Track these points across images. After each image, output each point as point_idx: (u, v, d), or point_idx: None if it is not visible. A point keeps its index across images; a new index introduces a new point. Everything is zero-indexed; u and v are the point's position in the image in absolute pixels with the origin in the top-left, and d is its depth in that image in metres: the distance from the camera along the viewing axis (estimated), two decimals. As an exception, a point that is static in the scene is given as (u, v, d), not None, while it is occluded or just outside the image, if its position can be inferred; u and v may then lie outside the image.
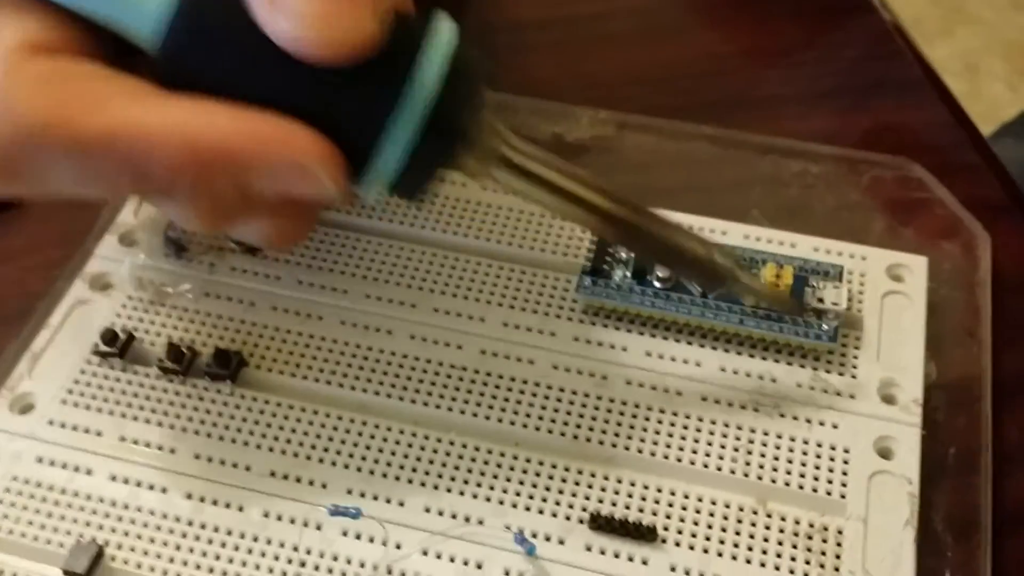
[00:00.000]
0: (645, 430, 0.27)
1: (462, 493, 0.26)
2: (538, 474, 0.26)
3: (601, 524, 0.25)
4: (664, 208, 0.31)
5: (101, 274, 0.30)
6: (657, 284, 0.29)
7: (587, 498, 0.26)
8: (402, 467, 0.26)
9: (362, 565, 0.25)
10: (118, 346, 0.28)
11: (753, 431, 0.27)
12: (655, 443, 0.27)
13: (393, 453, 0.26)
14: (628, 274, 0.29)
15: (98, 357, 0.28)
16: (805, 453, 0.26)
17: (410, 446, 0.27)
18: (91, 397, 0.28)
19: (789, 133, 0.35)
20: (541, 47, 0.40)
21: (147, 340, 0.29)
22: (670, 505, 0.26)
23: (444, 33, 0.22)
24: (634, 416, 0.27)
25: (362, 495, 0.26)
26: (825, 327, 0.28)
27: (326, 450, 0.27)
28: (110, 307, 0.29)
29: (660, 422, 0.27)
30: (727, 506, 0.26)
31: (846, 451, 0.26)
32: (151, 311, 0.29)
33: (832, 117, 0.36)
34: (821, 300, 0.28)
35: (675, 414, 0.27)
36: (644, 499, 0.26)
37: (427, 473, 0.26)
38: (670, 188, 0.33)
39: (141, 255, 0.30)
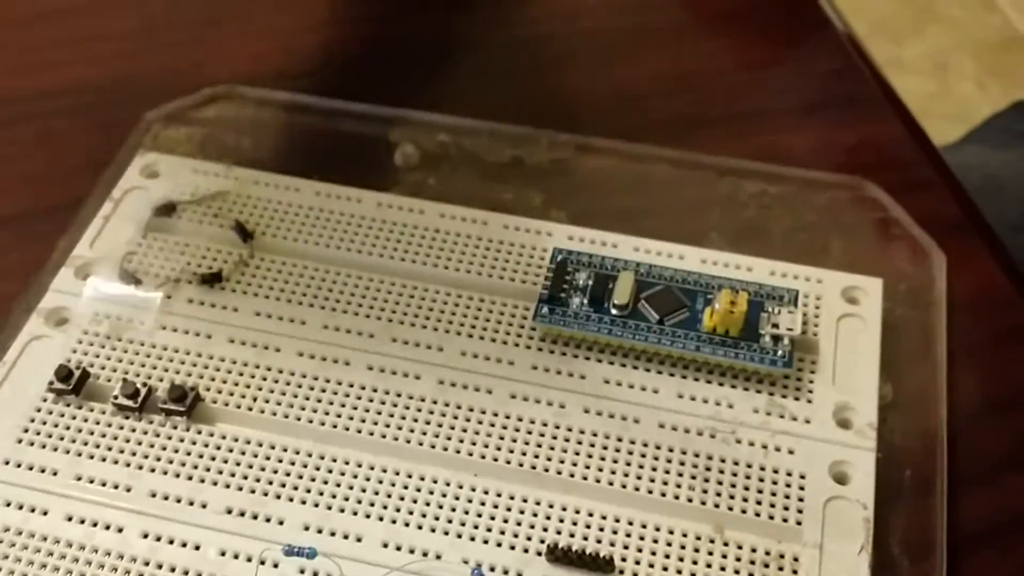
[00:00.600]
0: (603, 459, 0.27)
1: (420, 527, 0.26)
2: (496, 505, 0.26)
3: (558, 556, 0.25)
4: (623, 232, 0.32)
5: (56, 309, 0.30)
6: (614, 311, 0.29)
7: (545, 529, 0.26)
8: (359, 501, 0.26)
9: (319, 603, 0.25)
10: (72, 383, 0.28)
11: (710, 458, 0.27)
12: (612, 472, 0.27)
13: (351, 487, 0.26)
14: (585, 301, 0.29)
15: (53, 394, 0.28)
16: (762, 480, 0.27)
17: (367, 479, 0.27)
18: (46, 435, 0.27)
19: (747, 153, 0.35)
20: (500, 70, 0.40)
21: (103, 376, 0.28)
22: (627, 535, 0.26)
23: None
24: (591, 445, 0.27)
25: (319, 531, 0.26)
26: (780, 352, 0.28)
27: (283, 485, 0.26)
28: (65, 342, 0.29)
29: (618, 450, 0.27)
30: (684, 535, 0.26)
31: (802, 477, 0.27)
32: (107, 346, 0.29)
33: (791, 136, 0.36)
34: (776, 325, 0.28)
35: (632, 442, 0.27)
36: (602, 529, 0.26)
37: (385, 507, 0.26)
38: (629, 211, 0.33)
39: (97, 288, 0.30)
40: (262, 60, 0.40)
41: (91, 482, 0.27)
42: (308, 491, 0.26)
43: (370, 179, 0.34)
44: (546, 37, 0.41)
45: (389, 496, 0.26)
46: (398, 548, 0.25)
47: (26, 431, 0.27)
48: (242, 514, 0.26)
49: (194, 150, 0.35)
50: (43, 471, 0.27)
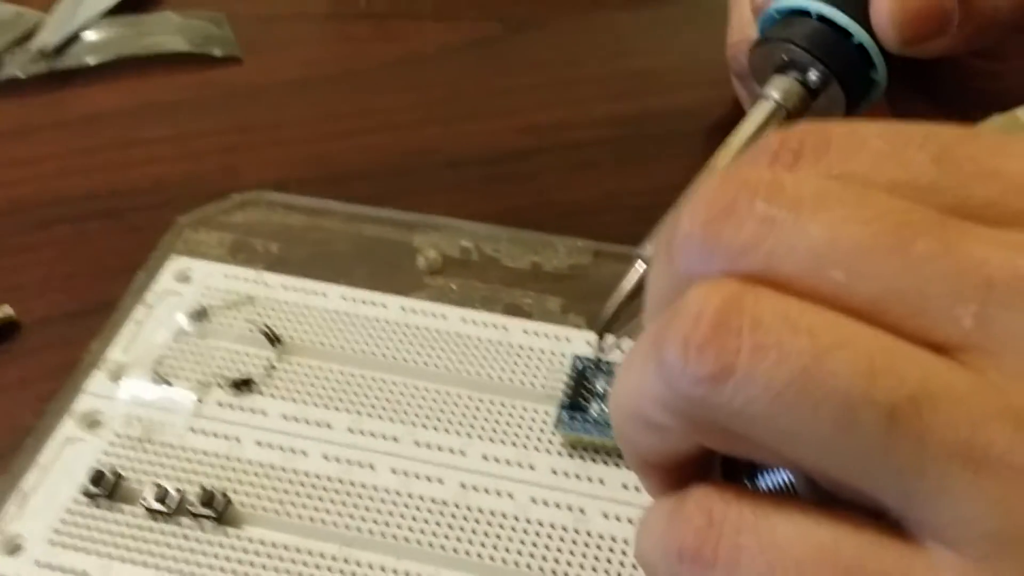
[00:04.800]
0: (623, 564, 0.28)
1: (443, 632, 0.26)
2: (517, 611, 0.27)
3: (579, 663, 0.26)
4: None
5: (90, 412, 0.31)
6: (632, 417, 0.30)
7: (565, 635, 0.26)
8: (384, 605, 0.27)
9: None
10: (106, 486, 0.28)
11: (727, 564, 0.27)
12: (632, 578, 0.27)
13: (375, 591, 0.27)
14: (604, 408, 0.30)
15: (86, 497, 0.29)
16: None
17: (391, 583, 0.27)
18: (79, 538, 0.28)
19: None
20: (517, 177, 0.41)
21: (134, 478, 0.29)
22: (647, 642, 0.26)
23: None
24: (611, 550, 0.28)
25: (344, 635, 0.26)
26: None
27: (309, 589, 0.27)
28: (99, 445, 0.30)
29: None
30: (702, 642, 0.26)
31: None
32: (139, 449, 0.30)
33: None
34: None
35: (651, 548, 0.28)
36: (621, 635, 0.26)
37: (408, 611, 0.27)
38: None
39: (130, 391, 0.31)
40: (289, 167, 0.41)
41: (122, 584, 0.27)
42: (334, 595, 0.27)
43: (395, 283, 0.35)
44: (563, 145, 0.42)
45: (413, 600, 0.27)
46: (421, 653, 0.26)
47: (58, 532, 0.28)
48: (269, 618, 0.27)
49: (224, 254, 0.36)
50: (75, 574, 0.27)
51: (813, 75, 0.32)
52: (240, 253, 0.37)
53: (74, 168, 0.41)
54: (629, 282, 0.30)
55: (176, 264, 0.35)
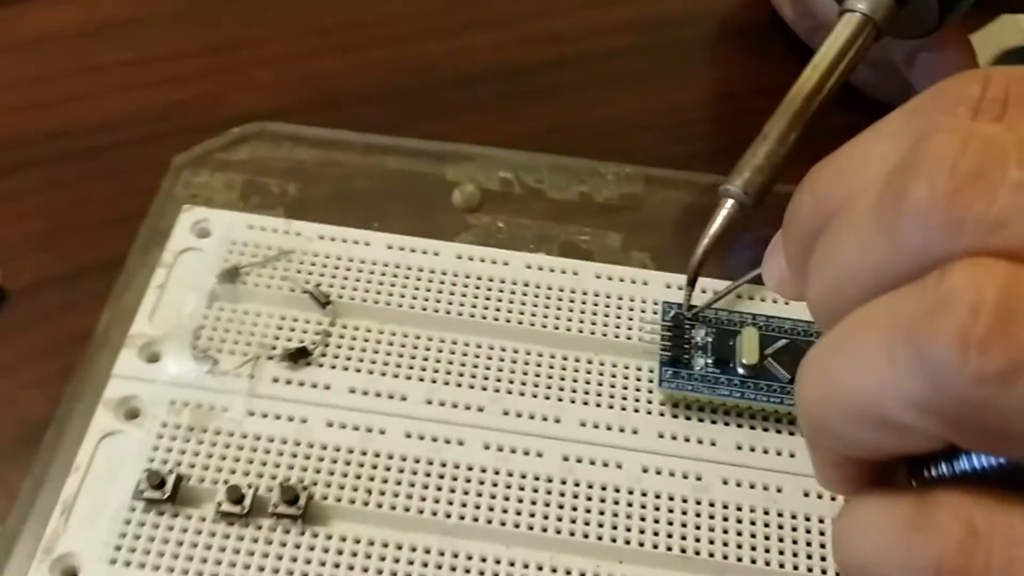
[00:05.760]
0: (754, 536, 0.25)
1: (577, 628, 0.24)
2: (650, 596, 0.24)
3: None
4: (705, 276, 0.29)
5: (125, 398, 0.27)
6: (741, 371, 0.27)
7: (708, 619, 0.24)
8: (505, 602, 0.24)
9: None
10: (166, 491, 0.25)
11: (862, 526, 0.26)
12: (767, 550, 0.25)
13: (492, 586, 0.24)
14: (709, 362, 0.27)
15: (144, 502, 0.25)
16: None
17: (499, 575, 0.24)
18: (143, 552, 0.24)
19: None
20: (535, 94, 0.37)
21: (194, 475, 0.25)
22: (796, 620, 0.24)
23: None
24: (739, 521, 0.26)
25: (471, 641, 0.23)
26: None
27: (418, 590, 0.24)
28: (144, 439, 0.26)
29: (767, 525, 0.26)
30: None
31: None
32: (192, 440, 0.26)
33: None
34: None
35: (780, 514, 0.26)
36: (766, 614, 0.24)
37: (535, 608, 0.24)
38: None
39: (169, 372, 0.27)
40: (280, 91, 0.37)
41: (204, 603, 0.24)
42: (450, 596, 0.24)
43: (434, 223, 0.32)
44: (583, 55, 0.39)
45: (538, 595, 0.24)
46: (560, 655, 0.23)
47: (118, 548, 0.24)
48: (383, 628, 0.24)
49: (234, 199, 0.32)
50: (146, 594, 0.24)
51: (905, -19, 0.29)
52: (253, 196, 0.32)
53: (32, 101, 0.36)
54: (718, 223, 0.28)
55: (191, 216, 0.30)
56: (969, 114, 0.17)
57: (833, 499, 0.26)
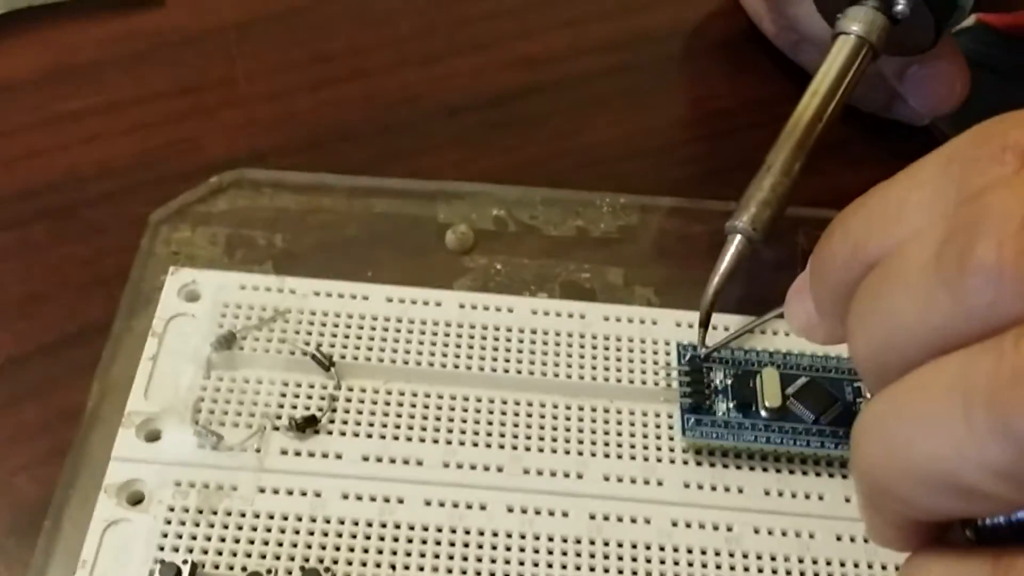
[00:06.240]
0: (791, 586, 0.25)
1: None
2: (693, 658, 0.24)
3: None
4: (725, 311, 0.29)
5: (128, 482, 0.25)
6: (764, 414, 0.27)
7: None
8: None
9: None
10: (183, 583, 0.23)
11: (897, 570, 0.25)
12: (806, 600, 0.25)
13: (532, 661, 0.23)
14: (731, 406, 0.27)
15: (158, 598, 0.23)
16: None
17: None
18: (163, 652, 0.23)
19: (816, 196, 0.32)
20: (523, 122, 0.36)
21: (208, 562, 0.24)
22: (842, 673, 0.24)
23: None
24: (773, 572, 0.25)
25: None
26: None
27: (456, 670, 0.23)
28: (151, 526, 0.25)
29: (803, 574, 0.25)
30: (899, 664, 0.24)
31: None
32: (202, 523, 0.25)
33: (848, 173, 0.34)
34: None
35: (815, 561, 0.25)
36: (810, 668, 0.24)
37: None
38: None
39: (172, 452, 0.26)
40: (257, 133, 0.35)
41: None
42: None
43: (430, 269, 0.31)
44: (566, 80, 0.38)
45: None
46: None
47: (136, 648, 0.23)
48: None
49: (219, 254, 0.31)
50: None
51: (901, 3, 0.29)
52: (238, 250, 0.31)
53: (-9, 156, 0.34)
54: (727, 261, 0.27)
55: (177, 278, 0.29)
56: (1018, 163, 0.16)
57: (866, 541, 0.25)
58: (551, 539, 0.25)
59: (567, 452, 0.27)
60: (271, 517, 0.25)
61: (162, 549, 0.24)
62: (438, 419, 0.27)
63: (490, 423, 0.27)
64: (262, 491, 0.25)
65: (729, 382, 0.27)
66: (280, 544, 0.25)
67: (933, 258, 0.16)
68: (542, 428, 0.27)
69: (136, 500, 0.25)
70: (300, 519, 0.25)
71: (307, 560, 0.24)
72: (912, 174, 0.18)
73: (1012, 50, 0.54)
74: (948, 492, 0.16)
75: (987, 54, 0.53)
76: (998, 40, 0.55)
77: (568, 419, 0.27)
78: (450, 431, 0.27)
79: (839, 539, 0.25)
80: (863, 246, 0.19)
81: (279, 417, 0.26)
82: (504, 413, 0.27)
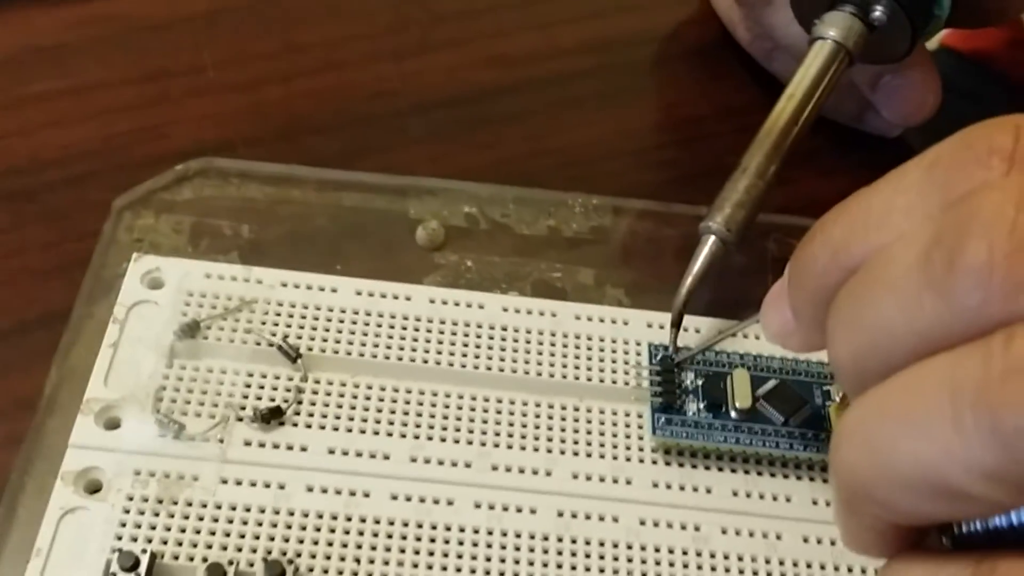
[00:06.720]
0: (758, 587, 0.25)
1: None
2: (659, 658, 0.23)
3: None
4: (695, 313, 0.29)
5: (86, 470, 0.25)
6: (734, 415, 0.26)
7: None
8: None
9: None
10: (140, 572, 0.23)
11: (864, 573, 0.25)
12: (773, 602, 0.24)
13: (496, 659, 0.23)
14: (702, 407, 0.27)
15: (116, 587, 0.23)
16: (926, 592, 0.25)
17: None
18: (118, 643, 0.22)
19: (787, 203, 0.32)
20: (498, 120, 0.36)
21: (167, 552, 0.24)
22: (809, 676, 0.23)
23: None
24: (740, 572, 0.25)
25: None
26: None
27: (420, 667, 0.23)
28: (109, 515, 0.24)
29: (769, 574, 0.25)
30: (865, 667, 0.24)
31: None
32: (162, 513, 0.24)
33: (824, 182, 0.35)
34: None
35: (781, 562, 0.25)
36: (776, 670, 0.23)
37: None
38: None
39: (132, 440, 0.25)
40: (224, 123, 0.35)
41: None
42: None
43: (399, 264, 0.30)
44: (539, 79, 0.37)
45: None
46: None
47: (90, 640, 0.22)
48: None
49: (183, 243, 0.30)
50: None
51: (878, 9, 0.29)
52: (203, 239, 0.30)
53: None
54: (700, 262, 0.27)
55: (140, 264, 0.28)
56: (1004, 166, 0.16)
57: (833, 544, 0.25)
58: (518, 535, 0.25)
59: (536, 449, 0.26)
60: (233, 508, 0.24)
61: (120, 539, 0.24)
62: (406, 414, 0.26)
63: (459, 419, 0.26)
64: (224, 482, 0.25)
65: (700, 383, 0.27)
66: (242, 536, 0.24)
67: (920, 260, 0.16)
68: (511, 425, 0.27)
69: (94, 489, 0.24)
70: (263, 511, 0.24)
71: (269, 552, 0.24)
72: (895, 180, 0.18)
73: (975, 74, 0.55)
74: (932, 495, 0.16)
75: (951, 78, 0.54)
76: (961, 64, 0.55)
77: (538, 416, 0.27)
78: (418, 426, 0.26)
79: (806, 541, 0.25)
80: (845, 250, 0.18)
81: (243, 408, 0.26)
82: (473, 409, 0.27)
